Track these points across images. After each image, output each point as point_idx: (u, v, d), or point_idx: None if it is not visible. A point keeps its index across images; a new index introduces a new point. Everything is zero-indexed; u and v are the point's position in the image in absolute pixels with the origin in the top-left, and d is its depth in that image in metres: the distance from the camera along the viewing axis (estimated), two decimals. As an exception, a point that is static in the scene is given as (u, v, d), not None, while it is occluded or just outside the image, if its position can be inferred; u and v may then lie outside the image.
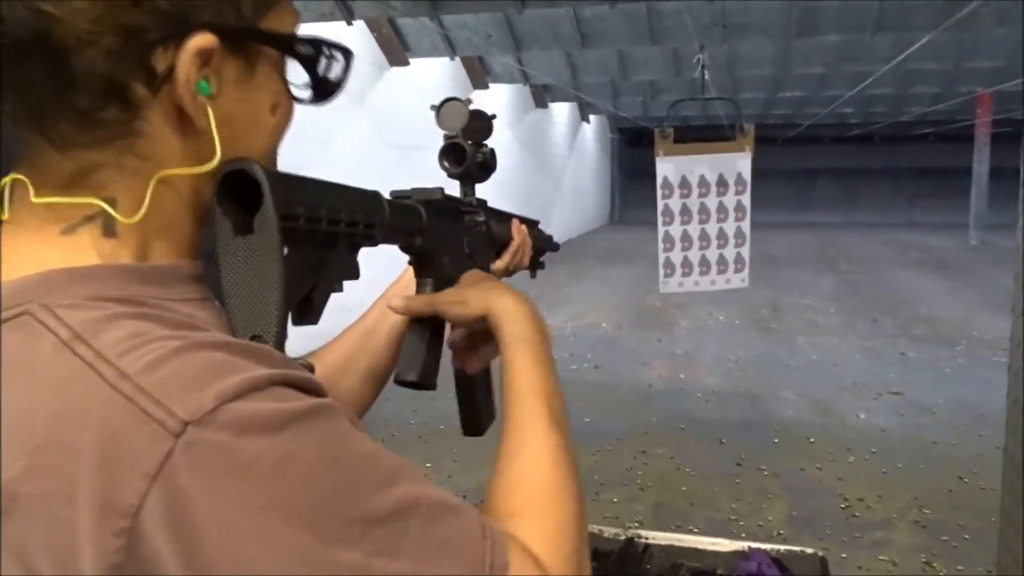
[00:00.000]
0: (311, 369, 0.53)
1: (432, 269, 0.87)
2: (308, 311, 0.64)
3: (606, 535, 1.64)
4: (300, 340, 1.01)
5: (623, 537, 1.61)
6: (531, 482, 0.63)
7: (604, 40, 9.10)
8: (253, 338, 0.55)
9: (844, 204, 26.45)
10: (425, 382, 0.84)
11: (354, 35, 8.53)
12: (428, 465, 4.37)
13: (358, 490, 0.46)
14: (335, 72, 0.64)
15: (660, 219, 5.51)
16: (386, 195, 0.77)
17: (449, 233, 0.88)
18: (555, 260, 1.10)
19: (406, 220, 0.79)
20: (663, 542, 1.60)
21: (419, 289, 0.87)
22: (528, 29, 9.06)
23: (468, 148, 0.95)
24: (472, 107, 0.94)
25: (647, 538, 1.61)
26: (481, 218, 0.96)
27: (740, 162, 5.46)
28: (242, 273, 0.57)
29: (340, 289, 0.67)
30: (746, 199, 5.49)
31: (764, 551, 1.55)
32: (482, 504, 0.62)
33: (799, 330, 8.81)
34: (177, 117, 0.54)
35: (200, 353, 0.46)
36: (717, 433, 5.38)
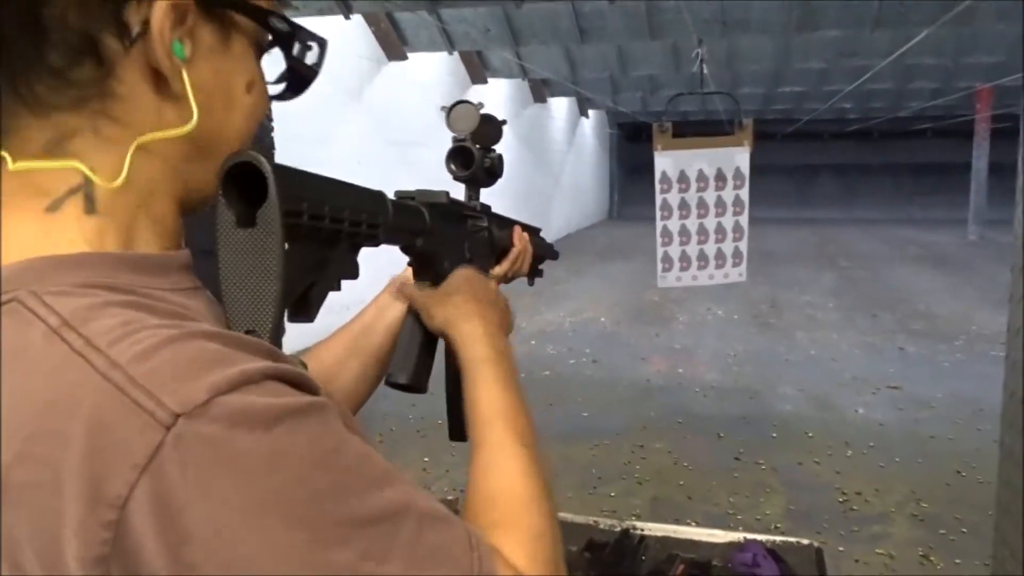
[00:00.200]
0: (304, 367, 0.53)
1: (431, 271, 0.87)
2: (304, 309, 0.63)
3: (602, 527, 1.64)
4: (298, 338, 1.01)
5: (619, 529, 1.61)
6: (505, 497, 0.63)
7: (603, 35, 9.08)
8: (248, 332, 0.55)
9: (843, 200, 26.43)
10: (415, 385, 0.83)
11: (352, 29, 8.52)
12: (426, 459, 4.36)
13: (349, 490, 0.46)
14: (310, 59, 0.63)
15: (658, 214, 5.51)
16: (390, 195, 0.77)
17: (451, 236, 0.88)
18: (542, 235, 1.10)
19: (409, 221, 0.79)
20: (659, 533, 1.61)
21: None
22: (527, 24, 9.04)
23: (476, 152, 0.95)
24: (483, 111, 0.94)
25: (643, 530, 1.61)
26: (484, 223, 0.96)
27: (738, 157, 5.46)
28: (241, 266, 0.57)
29: (338, 288, 0.67)
30: (744, 194, 5.50)
31: (759, 542, 1.55)
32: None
33: (798, 325, 8.81)
34: (153, 80, 0.53)
35: (193, 343, 0.46)
36: (715, 428, 5.38)
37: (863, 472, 4.60)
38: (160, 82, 0.53)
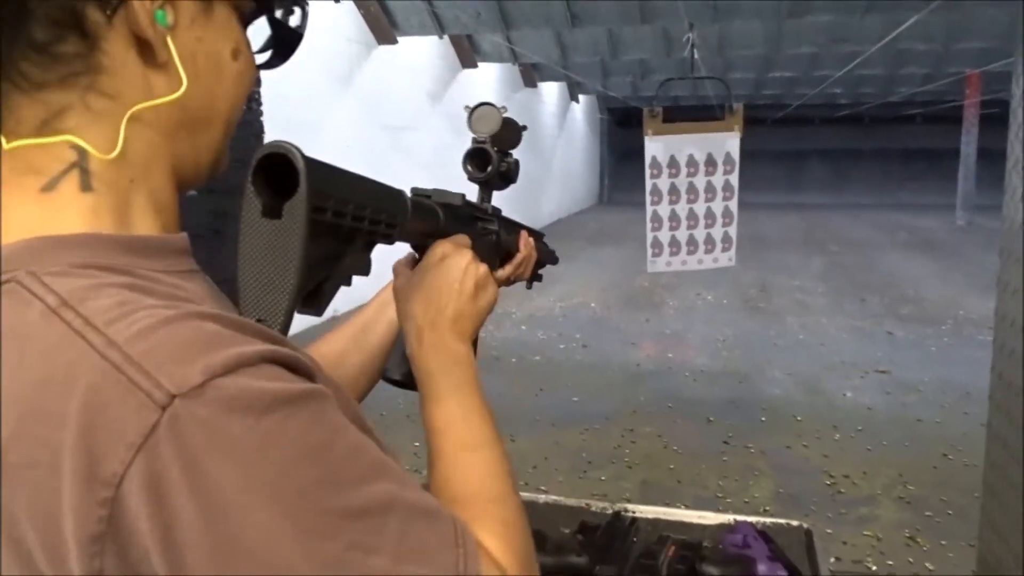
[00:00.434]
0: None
1: None
2: (315, 302, 0.64)
3: (593, 509, 1.65)
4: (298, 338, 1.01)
5: (611, 511, 1.62)
6: (471, 499, 0.64)
7: (594, 19, 9.05)
8: (258, 321, 0.55)
9: (833, 185, 26.49)
10: (410, 382, 0.84)
11: (341, 13, 8.46)
12: (416, 444, 4.37)
13: (338, 482, 0.46)
14: (293, 22, 0.64)
15: (648, 199, 5.51)
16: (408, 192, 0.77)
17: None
18: (545, 241, 1.10)
19: (425, 221, 0.79)
20: (650, 516, 1.62)
21: None
22: (517, 8, 9.00)
23: (494, 156, 0.94)
24: (505, 115, 0.94)
25: (634, 512, 1.62)
26: (494, 227, 0.96)
27: (729, 142, 5.46)
28: (260, 255, 0.57)
29: (349, 283, 0.67)
30: (734, 179, 5.50)
31: (750, 524, 1.56)
32: None
33: (787, 310, 8.84)
34: (138, 50, 0.53)
35: (190, 323, 0.46)
36: (705, 412, 5.41)
37: (851, 455, 4.64)
38: (146, 52, 0.53)
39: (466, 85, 12.69)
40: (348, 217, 0.63)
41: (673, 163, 5.50)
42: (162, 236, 0.56)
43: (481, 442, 0.70)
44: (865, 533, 3.70)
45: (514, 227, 1.03)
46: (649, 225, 5.53)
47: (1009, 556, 2.10)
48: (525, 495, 1.68)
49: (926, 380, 6.09)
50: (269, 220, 0.57)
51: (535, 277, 1.13)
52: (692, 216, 5.52)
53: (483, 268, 0.83)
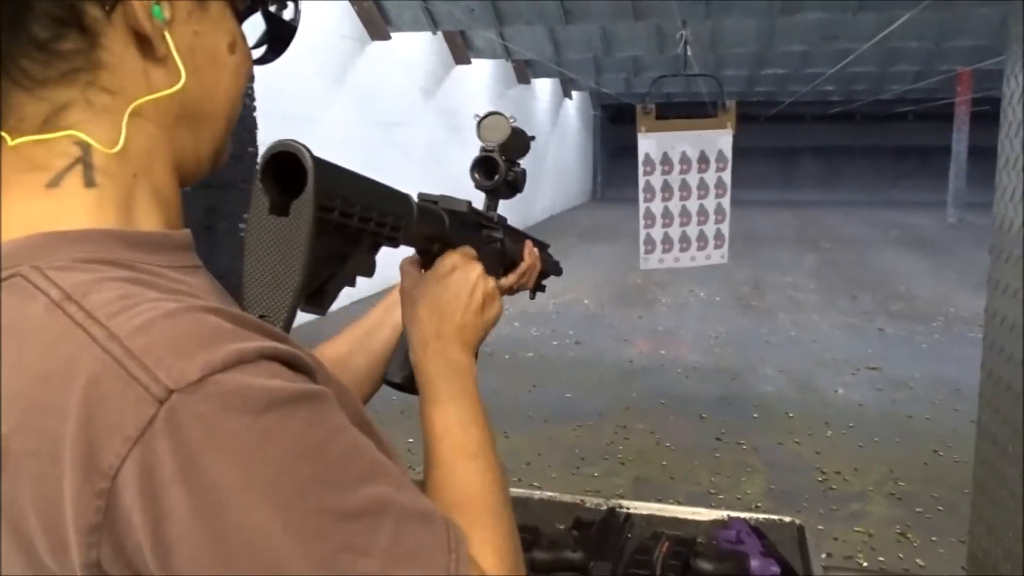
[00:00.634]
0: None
1: None
2: (319, 301, 0.64)
3: (588, 505, 1.66)
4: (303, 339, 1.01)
5: (605, 507, 1.63)
6: (466, 506, 0.64)
7: (587, 16, 9.05)
8: (261, 318, 0.55)
9: (825, 182, 26.56)
10: (410, 386, 0.84)
11: (335, 9, 8.45)
12: (410, 440, 4.37)
13: (332, 483, 0.46)
14: (286, 13, 0.64)
15: (641, 196, 5.52)
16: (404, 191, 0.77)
17: (465, 244, 0.88)
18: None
19: (430, 226, 0.79)
20: (644, 512, 1.63)
21: None
22: (511, 4, 9.00)
23: (502, 164, 0.95)
24: (514, 125, 0.94)
25: (629, 508, 1.63)
26: (499, 235, 0.96)
27: (722, 139, 5.47)
28: (266, 252, 0.58)
29: (353, 284, 0.68)
30: (727, 176, 5.51)
31: (743, 520, 1.57)
32: None
33: (780, 307, 8.87)
34: (137, 45, 0.54)
35: (192, 316, 0.46)
36: (697, 409, 5.43)
37: (842, 452, 4.66)
38: (144, 47, 0.54)
39: (459, 81, 12.67)
40: (355, 218, 0.63)
41: (666, 160, 5.50)
42: (165, 232, 0.57)
43: (479, 451, 0.71)
44: (856, 529, 3.72)
45: (519, 236, 1.04)
46: (642, 222, 5.54)
47: (999, 552, 2.12)
48: (520, 491, 1.69)
49: (917, 377, 6.12)
50: (276, 217, 0.58)
51: (538, 287, 1.13)
52: (685, 213, 5.53)
53: (491, 283, 0.84)
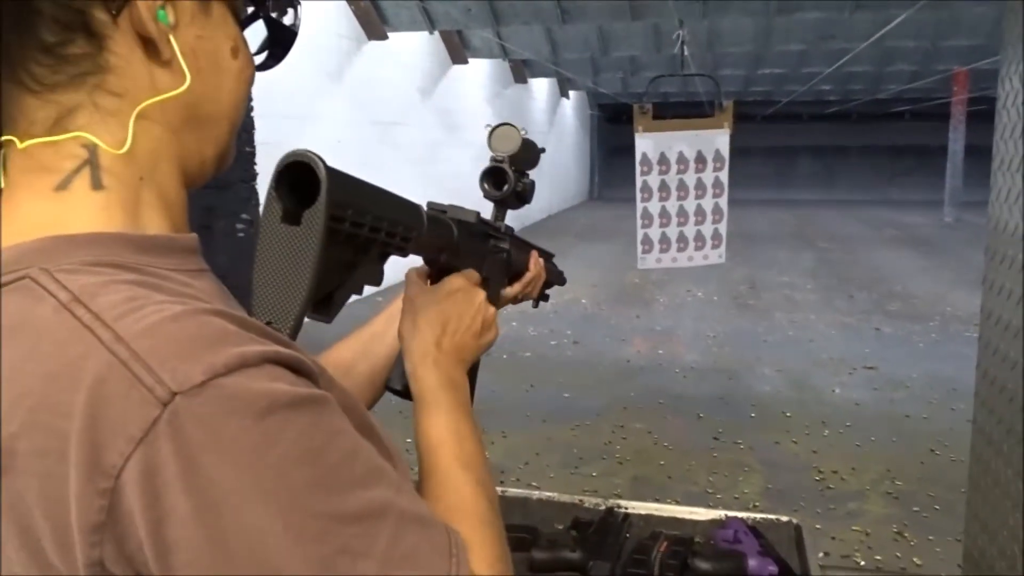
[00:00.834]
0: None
1: None
2: (326, 309, 0.65)
3: (587, 505, 1.67)
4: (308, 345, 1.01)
5: (603, 507, 1.64)
6: (459, 518, 0.65)
7: (584, 16, 9.05)
8: (268, 324, 0.56)
9: (822, 181, 26.60)
10: (410, 393, 0.85)
11: (332, 9, 8.44)
12: (408, 440, 4.34)
13: (331, 487, 0.46)
14: (287, 18, 0.65)
15: (639, 195, 5.52)
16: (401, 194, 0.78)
17: (473, 254, 0.89)
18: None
19: (439, 236, 0.80)
20: (642, 511, 1.64)
21: None
22: (508, 4, 9.00)
23: (511, 175, 0.96)
24: (525, 136, 0.95)
25: (627, 508, 1.64)
26: (505, 245, 0.97)
27: (719, 139, 5.48)
28: (277, 259, 0.59)
29: (360, 292, 0.68)
30: (724, 176, 5.51)
31: (740, 519, 1.58)
32: None
33: (776, 306, 8.89)
34: (143, 48, 0.55)
35: (197, 319, 0.47)
36: (695, 408, 5.44)
37: (839, 451, 4.68)
38: (150, 50, 0.55)
39: (456, 81, 12.67)
40: (365, 228, 0.64)
41: (663, 160, 5.51)
42: (172, 235, 0.57)
43: (473, 463, 0.72)
44: (854, 528, 3.73)
45: (525, 246, 1.05)
46: (640, 222, 5.55)
47: (994, 550, 2.13)
48: (518, 492, 1.70)
49: (914, 376, 6.13)
50: (288, 226, 0.59)
51: (542, 296, 1.14)
52: (682, 213, 5.54)
53: (492, 311, 0.86)
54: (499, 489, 1.49)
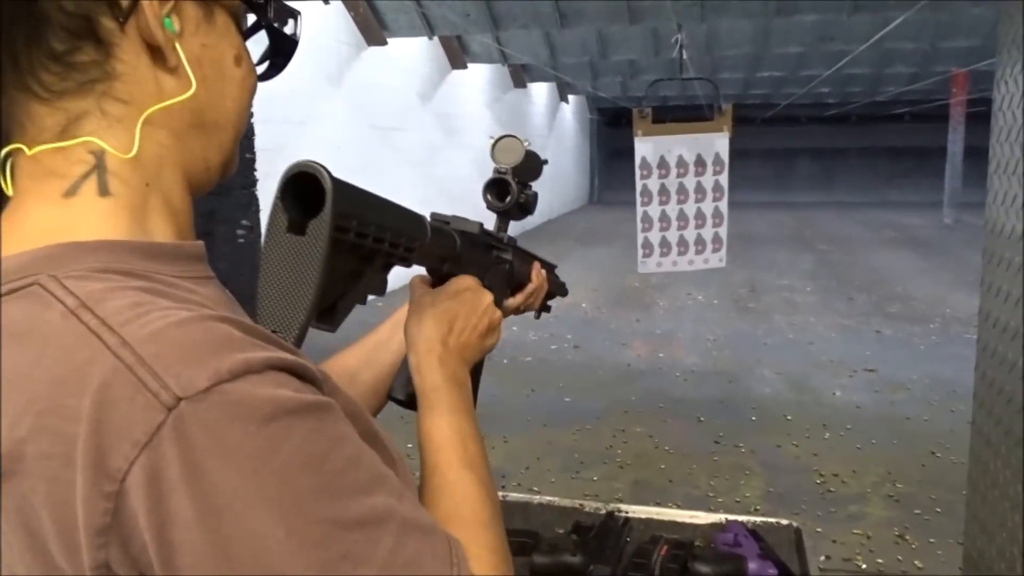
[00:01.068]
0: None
1: None
2: (331, 318, 0.66)
3: (587, 509, 1.67)
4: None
5: (603, 511, 1.65)
6: (460, 519, 0.65)
7: (583, 20, 9.07)
8: (273, 333, 0.56)
9: (821, 184, 26.61)
10: (414, 403, 0.85)
11: (331, 14, 8.46)
12: (409, 446, 4.35)
13: (333, 493, 0.47)
14: (288, 28, 0.66)
15: (639, 199, 5.53)
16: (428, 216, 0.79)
17: (475, 264, 0.90)
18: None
19: (442, 246, 0.81)
20: (642, 515, 1.64)
21: None
22: (507, 8, 9.01)
23: (515, 187, 0.96)
24: (528, 148, 0.96)
25: (627, 512, 1.64)
26: (508, 256, 0.98)
27: (718, 142, 5.49)
28: (282, 269, 0.59)
29: (364, 302, 0.69)
30: (724, 179, 5.52)
31: (740, 523, 1.59)
32: None
33: (776, 309, 8.89)
34: (149, 55, 0.56)
35: (202, 324, 0.47)
36: (695, 411, 5.44)
37: (840, 454, 4.68)
38: (156, 57, 0.56)
39: (455, 86, 12.69)
40: (369, 238, 0.65)
41: (663, 164, 5.52)
42: (178, 243, 0.58)
43: (476, 464, 0.72)
44: (855, 531, 3.73)
45: (528, 257, 1.05)
46: (640, 226, 5.55)
47: (993, 552, 2.13)
48: (519, 496, 1.71)
49: (914, 378, 6.14)
50: (293, 236, 0.59)
51: (544, 307, 1.14)
52: (682, 217, 5.55)
53: (498, 314, 0.87)
54: (500, 494, 1.50)
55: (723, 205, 5.54)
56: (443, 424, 0.74)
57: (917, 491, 4.15)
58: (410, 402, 0.85)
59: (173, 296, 0.51)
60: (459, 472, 0.70)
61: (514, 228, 1.10)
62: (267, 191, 5.17)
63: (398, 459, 0.61)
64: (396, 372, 0.92)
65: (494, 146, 0.97)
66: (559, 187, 21.32)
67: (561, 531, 1.59)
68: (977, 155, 14.12)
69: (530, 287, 1.05)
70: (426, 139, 11.27)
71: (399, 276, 0.88)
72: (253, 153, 5.93)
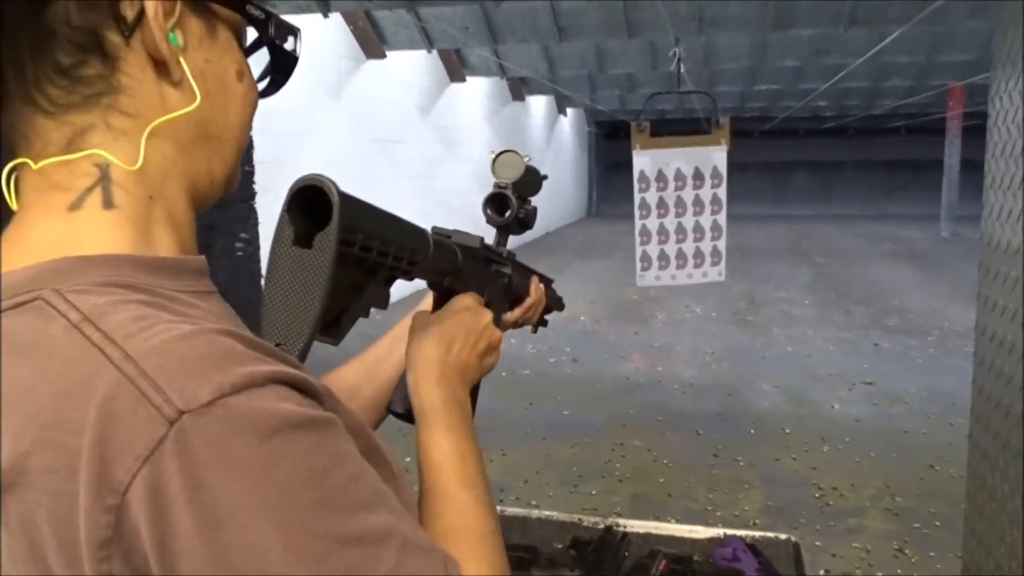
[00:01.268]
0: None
1: None
2: (334, 331, 0.66)
3: (585, 524, 1.67)
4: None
5: (602, 526, 1.65)
6: (460, 536, 0.65)
7: (581, 33, 9.11)
8: (277, 346, 0.57)
9: (819, 196, 26.68)
10: (413, 417, 0.86)
11: (330, 27, 8.50)
12: (408, 459, 4.35)
13: (334, 508, 0.47)
14: (288, 44, 0.67)
15: (637, 212, 5.54)
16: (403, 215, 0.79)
17: (476, 279, 0.90)
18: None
19: (443, 260, 0.81)
20: (641, 530, 1.64)
21: None
22: (505, 22, 9.06)
23: (514, 201, 0.97)
24: (528, 163, 0.96)
25: (625, 526, 1.64)
26: (507, 270, 0.98)
27: (716, 155, 5.50)
28: (287, 282, 0.60)
29: (366, 315, 0.69)
30: (722, 192, 5.54)
31: (739, 537, 1.59)
32: None
33: (775, 322, 8.90)
34: (154, 69, 0.56)
35: (206, 338, 0.48)
36: (694, 425, 5.43)
37: (839, 467, 4.68)
38: (161, 71, 0.57)
39: (454, 98, 12.73)
40: (374, 252, 0.65)
41: (661, 177, 5.54)
42: (181, 257, 0.59)
43: (475, 482, 0.72)
44: (854, 545, 3.72)
45: (526, 271, 1.06)
46: (638, 239, 5.56)
47: (991, 566, 2.13)
48: (517, 511, 1.71)
49: (912, 391, 6.14)
50: (299, 249, 0.60)
51: (541, 322, 1.15)
52: (681, 230, 5.56)
53: (497, 333, 0.87)
54: (498, 508, 1.50)
55: (721, 218, 5.55)
56: (442, 442, 0.75)
57: (916, 504, 4.14)
58: (409, 416, 0.85)
59: (176, 310, 0.52)
60: (458, 490, 0.70)
61: (513, 241, 1.10)
62: (266, 204, 5.18)
63: (399, 475, 0.62)
64: (395, 386, 0.93)
65: (495, 161, 0.98)
66: (557, 200, 21.36)
67: (559, 546, 1.59)
68: (973, 168, 14.16)
69: (528, 301, 1.06)
70: (425, 152, 11.30)
71: (400, 289, 0.89)
72: (252, 166, 5.94)
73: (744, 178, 21.03)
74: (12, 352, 0.48)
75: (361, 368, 0.96)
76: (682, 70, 7.38)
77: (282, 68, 0.68)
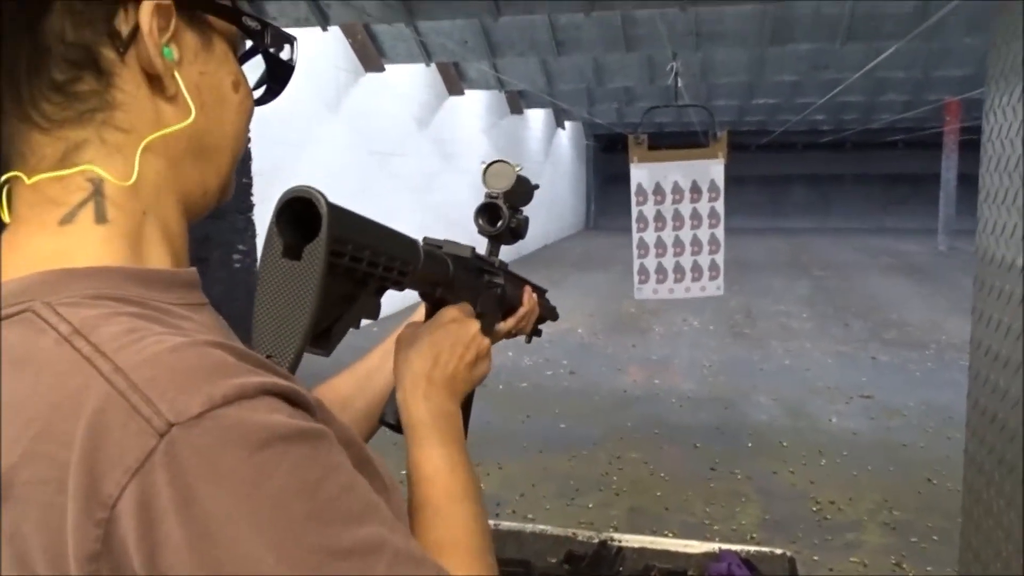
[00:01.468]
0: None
1: None
2: (325, 342, 0.66)
3: (580, 538, 1.67)
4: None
5: (596, 540, 1.64)
6: (452, 548, 0.65)
7: (579, 47, 9.15)
8: (268, 358, 0.56)
9: (817, 210, 26.73)
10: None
11: (329, 40, 8.53)
12: (403, 472, 4.33)
13: (326, 521, 0.46)
14: (284, 54, 0.67)
15: (635, 225, 5.56)
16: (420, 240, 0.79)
17: (467, 289, 0.90)
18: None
19: (434, 271, 0.81)
20: (636, 544, 1.64)
21: None
22: (504, 36, 9.10)
23: (506, 211, 0.97)
24: (519, 173, 0.97)
25: (620, 540, 1.64)
26: (500, 280, 0.98)
27: (713, 169, 5.52)
28: (277, 294, 0.60)
29: (357, 326, 0.69)
30: (719, 205, 5.55)
31: (734, 552, 1.58)
32: None
33: (772, 335, 8.90)
34: (149, 84, 0.56)
35: (196, 350, 0.47)
36: (691, 438, 5.42)
37: (836, 481, 4.67)
38: (155, 86, 0.57)
39: (453, 111, 12.77)
40: (364, 263, 0.65)
41: (659, 190, 5.55)
42: (173, 269, 0.59)
43: (466, 495, 0.72)
44: (852, 560, 3.71)
45: (519, 281, 1.06)
46: (636, 252, 5.57)
47: (989, 581, 2.13)
48: (511, 525, 1.70)
49: (910, 405, 6.13)
50: (289, 260, 0.60)
51: (535, 331, 1.15)
52: (678, 243, 5.57)
53: (486, 342, 0.86)
54: (492, 522, 1.50)
55: (719, 232, 5.56)
56: (432, 456, 0.74)
57: (914, 518, 4.13)
58: (401, 426, 0.85)
59: (167, 322, 0.51)
60: (448, 503, 0.70)
61: (510, 253, 1.10)
62: (263, 216, 5.18)
63: (391, 486, 0.61)
64: (387, 398, 0.93)
65: (485, 171, 0.98)
66: (555, 213, 21.38)
67: (554, 560, 1.59)
68: (970, 182, 14.18)
69: (522, 311, 1.06)
70: (423, 164, 11.32)
71: (392, 300, 0.89)
72: (250, 178, 5.95)
73: (742, 191, 21.06)
74: (3, 365, 0.48)
75: (353, 380, 0.96)
76: (680, 84, 7.41)
77: (278, 77, 0.68)
